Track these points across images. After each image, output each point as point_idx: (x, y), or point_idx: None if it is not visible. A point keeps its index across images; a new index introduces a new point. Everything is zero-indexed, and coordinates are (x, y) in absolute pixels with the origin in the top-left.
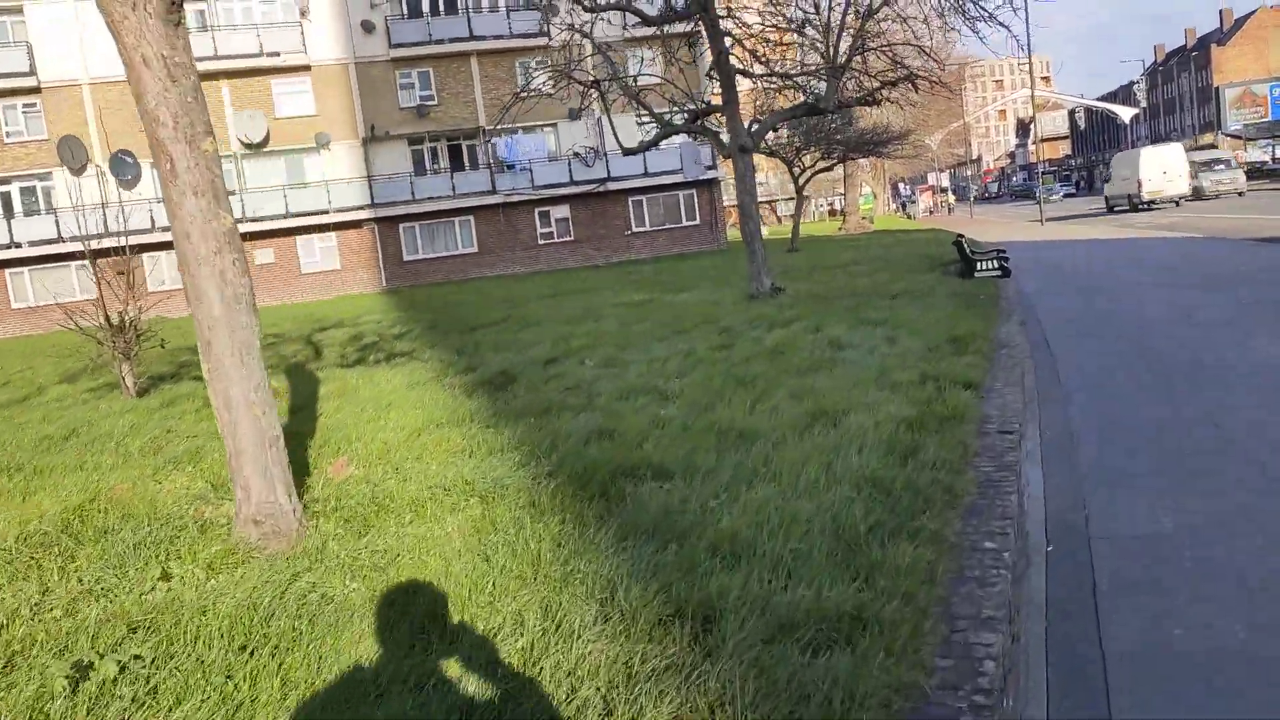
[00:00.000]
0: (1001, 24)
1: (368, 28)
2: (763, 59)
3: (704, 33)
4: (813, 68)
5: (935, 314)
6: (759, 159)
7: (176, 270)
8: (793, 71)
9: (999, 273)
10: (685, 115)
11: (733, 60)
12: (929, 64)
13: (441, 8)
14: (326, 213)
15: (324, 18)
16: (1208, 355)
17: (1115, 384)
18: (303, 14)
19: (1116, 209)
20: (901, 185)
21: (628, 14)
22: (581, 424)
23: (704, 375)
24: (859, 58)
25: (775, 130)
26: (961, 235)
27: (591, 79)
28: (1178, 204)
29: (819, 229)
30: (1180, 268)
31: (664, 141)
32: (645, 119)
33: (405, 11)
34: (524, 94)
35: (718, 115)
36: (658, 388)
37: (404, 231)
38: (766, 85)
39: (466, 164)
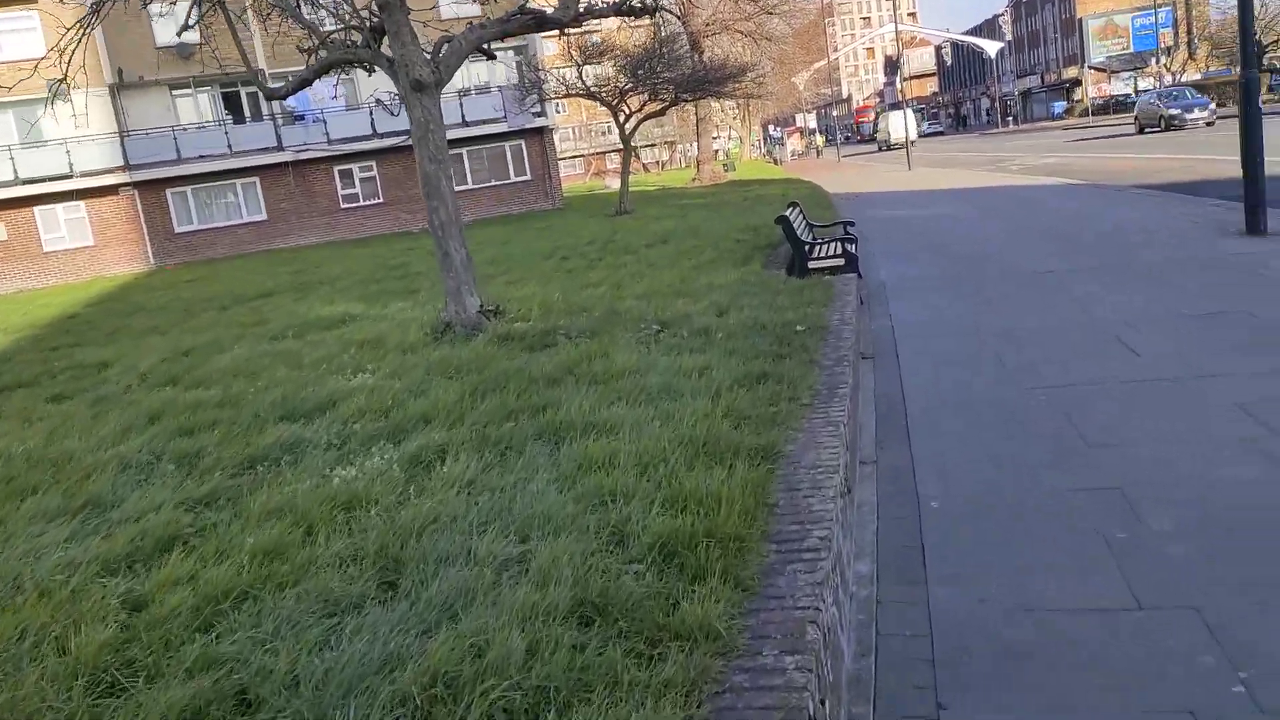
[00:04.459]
0: None
1: None
2: None
3: None
4: None
5: (688, 403)
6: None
7: None
8: None
9: (841, 262)
10: (351, 38)
11: None
12: None
13: None
14: (70, 177)
15: None
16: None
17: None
18: None
19: (881, 150)
20: (771, 128)
21: None
22: None
23: None
24: None
25: (582, 66)
26: (794, 205)
27: None
28: (911, 144)
29: (677, 178)
30: (1085, 236)
31: (482, 84)
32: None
33: None
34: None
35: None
36: None
37: (173, 198)
38: None
39: (248, 115)
